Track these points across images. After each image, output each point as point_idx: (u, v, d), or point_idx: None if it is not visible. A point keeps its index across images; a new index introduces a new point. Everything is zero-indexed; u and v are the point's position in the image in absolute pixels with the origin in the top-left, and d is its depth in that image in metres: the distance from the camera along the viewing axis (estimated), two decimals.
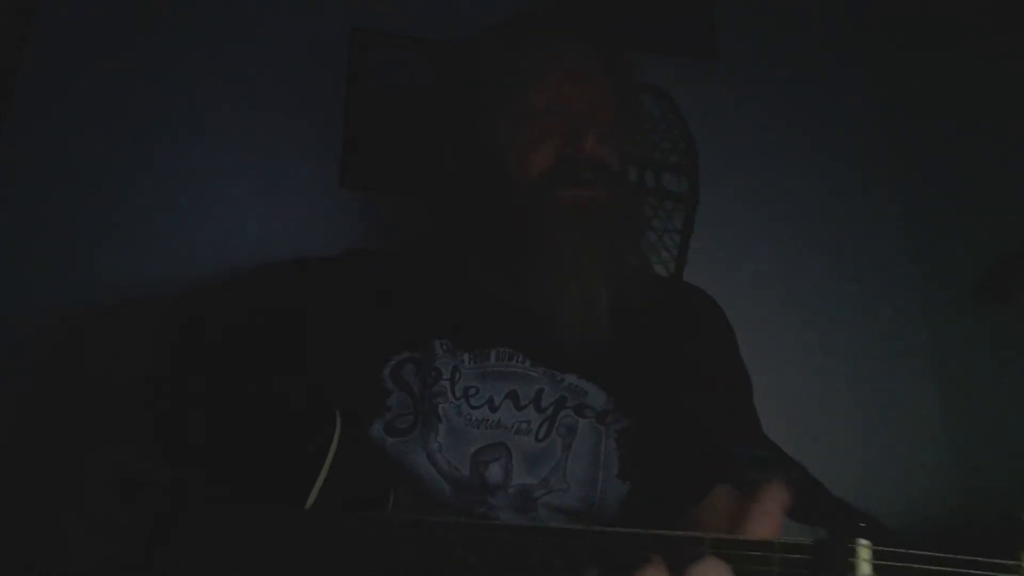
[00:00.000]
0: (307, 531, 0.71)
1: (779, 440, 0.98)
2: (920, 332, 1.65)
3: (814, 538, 0.52)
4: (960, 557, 0.46)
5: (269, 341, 0.97)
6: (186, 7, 1.38)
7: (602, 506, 0.88)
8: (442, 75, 1.39)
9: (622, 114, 1.05)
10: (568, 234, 0.95)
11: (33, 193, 1.25)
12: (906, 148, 1.74)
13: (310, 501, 0.76)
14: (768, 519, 0.57)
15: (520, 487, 0.87)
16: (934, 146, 1.69)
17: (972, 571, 0.46)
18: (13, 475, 0.89)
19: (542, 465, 0.89)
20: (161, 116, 1.33)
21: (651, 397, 0.94)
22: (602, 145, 0.98)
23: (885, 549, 0.49)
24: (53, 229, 1.24)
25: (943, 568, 0.46)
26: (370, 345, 0.96)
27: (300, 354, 0.96)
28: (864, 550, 0.49)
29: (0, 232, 1.22)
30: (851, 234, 1.68)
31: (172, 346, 0.99)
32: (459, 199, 1.07)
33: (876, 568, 0.48)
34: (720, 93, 1.65)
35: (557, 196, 0.96)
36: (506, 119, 1.01)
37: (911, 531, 1.45)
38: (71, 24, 1.32)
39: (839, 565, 0.49)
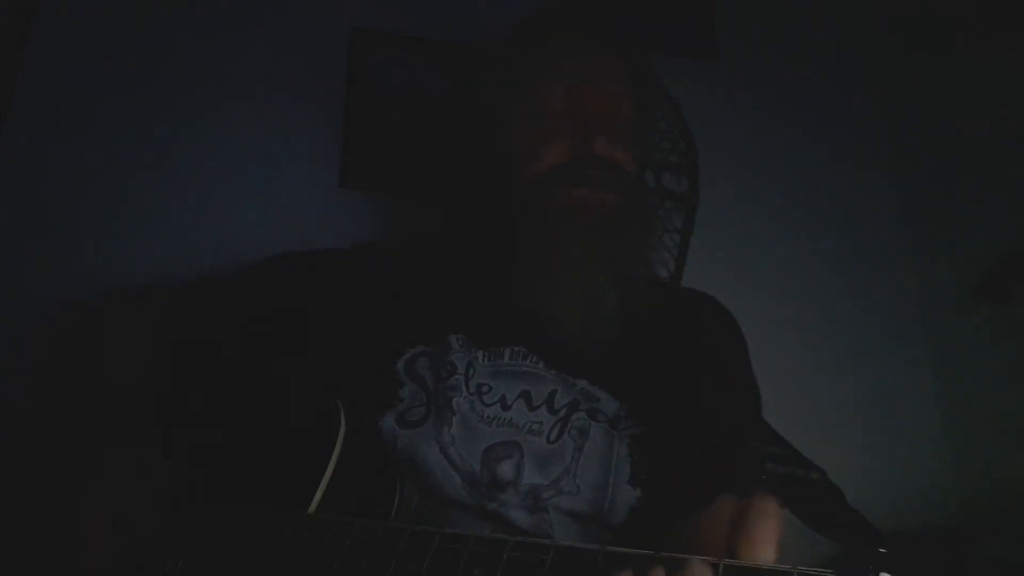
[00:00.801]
0: (310, 534, 0.70)
1: None
2: (920, 332, 1.65)
3: (833, 567, 0.50)
4: None
5: (277, 336, 0.97)
6: (186, 7, 1.38)
7: (611, 511, 0.88)
8: (459, 75, 1.40)
9: (639, 119, 1.05)
10: (570, 233, 0.95)
11: (33, 193, 1.24)
12: (906, 148, 1.74)
13: (316, 501, 0.76)
14: (762, 542, 0.55)
15: (530, 486, 0.87)
16: (934, 146, 1.69)
17: None
18: (16, 473, 0.89)
19: (553, 466, 0.88)
20: (161, 116, 1.33)
21: (663, 406, 0.93)
22: (614, 147, 0.98)
23: None
24: (53, 229, 1.24)
25: None
26: (384, 337, 0.96)
27: (309, 349, 0.96)
28: None
29: (0, 232, 1.22)
30: (851, 234, 1.68)
31: (178, 343, 0.98)
32: (472, 199, 1.07)
33: None
34: (720, 93, 1.65)
35: (563, 194, 0.96)
36: (521, 118, 1.01)
37: (911, 531, 1.45)
38: (71, 24, 1.32)
39: None
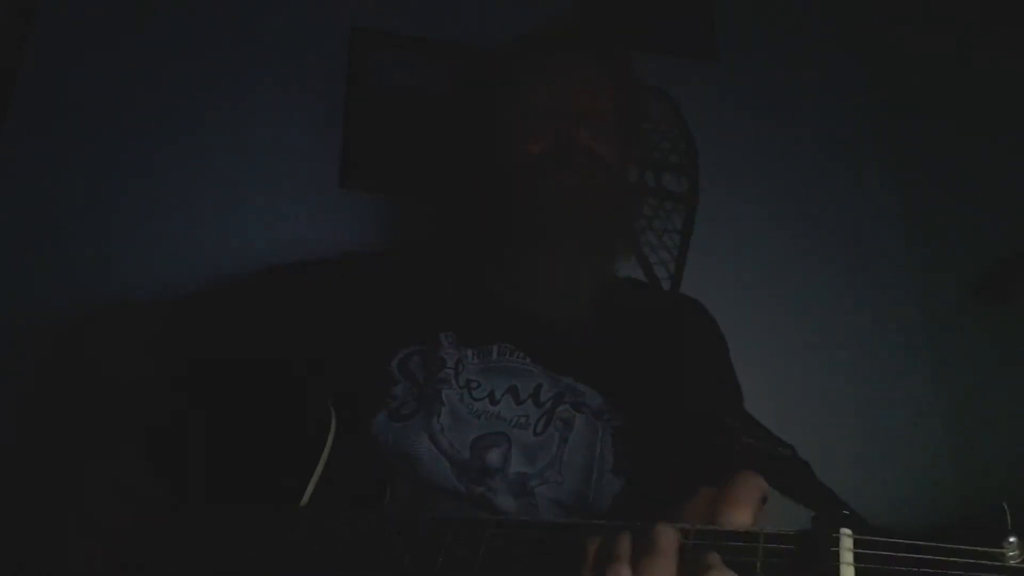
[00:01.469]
0: (303, 529, 0.71)
1: None
2: (920, 332, 1.65)
3: (798, 529, 0.52)
4: (943, 545, 0.47)
5: (270, 340, 0.98)
6: (186, 8, 1.38)
7: (595, 500, 0.90)
8: (459, 77, 1.43)
9: (628, 119, 1.10)
10: (552, 217, 1.00)
11: (33, 193, 1.25)
12: (906, 148, 1.74)
13: (306, 497, 0.77)
14: (742, 506, 0.57)
15: (517, 474, 0.90)
16: (934, 146, 1.69)
17: (955, 559, 0.46)
18: (15, 476, 0.89)
19: (539, 457, 0.91)
20: (161, 116, 1.33)
21: (645, 401, 0.96)
22: (597, 140, 1.03)
23: (867, 538, 0.49)
24: (53, 230, 1.24)
25: (925, 556, 0.47)
26: (378, 339, 0.98)
27: (300, 351, 0.96)
28: (847, 539, 0.49)
29: (0, 232, 1.22)
30: (851, 234, 1.68)
31: (173, 349, 0.99)
32: (466, 198, 1.12)
33: (858, 557, 0.49)
34: (720, 93, 1.65)
35: (547, 181, 1.01)
36: (512, 114, 1.07)
37: (910, 531, 1.45)
38: (71, 24, 1.32)
39: (823, 555, 0.49)
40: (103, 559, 0.76)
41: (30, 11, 1.30)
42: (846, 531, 0.50)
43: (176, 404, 0.89)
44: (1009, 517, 0.46)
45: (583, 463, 0.91)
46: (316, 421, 0.82)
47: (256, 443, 0.84)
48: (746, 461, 0.85)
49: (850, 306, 1.62)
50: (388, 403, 0.93)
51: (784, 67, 1.74)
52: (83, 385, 0.99)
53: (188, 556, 0.75)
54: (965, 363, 1.57)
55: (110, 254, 1.25)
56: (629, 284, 1.17)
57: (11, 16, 1.30)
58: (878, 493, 1.45)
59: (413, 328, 0.99)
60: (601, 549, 0.57)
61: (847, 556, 0.49)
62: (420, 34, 1.47)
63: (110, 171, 1.29)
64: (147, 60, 1.35)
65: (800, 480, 0.76)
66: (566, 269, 1.01)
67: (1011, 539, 0.46)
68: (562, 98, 1.05)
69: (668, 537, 0.55)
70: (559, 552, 0.58)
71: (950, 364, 1.60)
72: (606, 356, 0.99)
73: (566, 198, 1.00)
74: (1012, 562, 0.46)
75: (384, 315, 1.01)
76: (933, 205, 1.68)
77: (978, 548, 0.46)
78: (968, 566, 0.46)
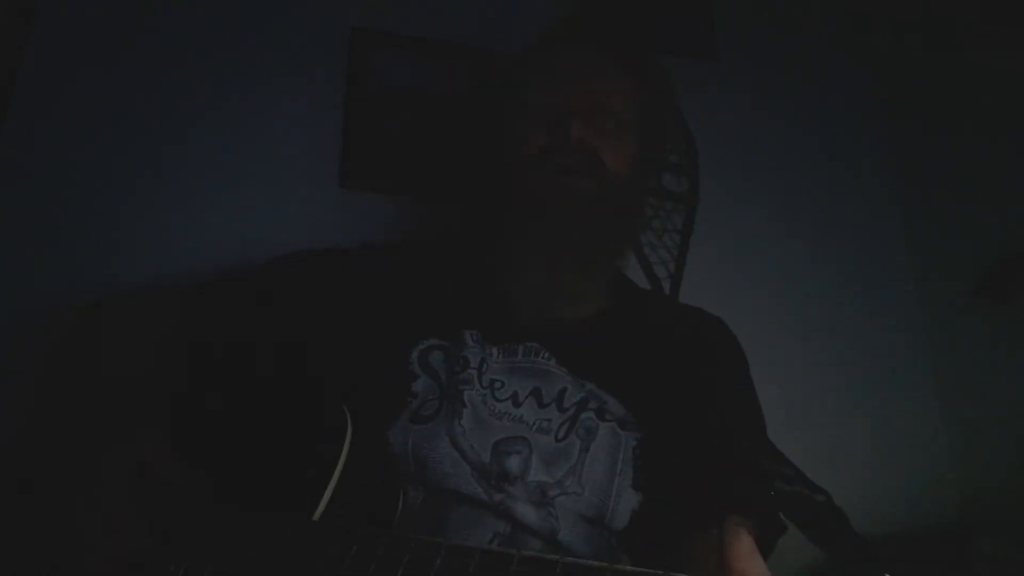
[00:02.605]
0: (314, 540, 0.70)
1: (779, 441, 0.99)
2: (920, 332, 1.65)
3: None
4: None
5: (288, 333, 0.98)
6: (186, 8, 1.38)
7: (614, 514, 0.89)
8: (465, 81, 1.43)
9: (636, 120, 1.08)
10: (546, 215, 0.99)
11: (33, 193, 1.24)
12: (906, 147, 1.74)
13: (320, 508, 0.76)
14: (753, 564, 0.55)
15: (537, 483, 0.89)
16: (934, 145, 1.69)
17: None
18: (25, 471, 0.88)
19: (559, 465, 0.90)
20: (161, 116, 1.33)
21: (669, 418, 0.95)
22: (595, 138, 1.01)
23: None
24: (53, 230, 1.24)
25: None
26: (397, 330, 0.98)
27: (319, 348, 0.96)
28: None
29: (0, 232, 1.22)
30: (851, 234, 1.68)
31: (189, 342, 0.99)
32: (470, 197, 1.13)
33: None
34: (720, 93, 1.65)
35: (542, 177, 1.00)
36: (515, 114, 1.06)
37: (911, 531, 1.45)
38: (71, 24, 1.32)
39: None
40: (115, 555, 0.76)
41: (30, 11, 1.29)
42: None
43: (191, 404, 0.88)
44: None
45: (603, 475, 0.90)
46: (331, 430, 0.81)
47: (270, 452, 0.83)
48: (780, 507, 0.84)
49: (850, 306, 1.62)
50: (409, 403, 0.92)
51: (784, 67, 1.74)
52: (92, 376, 0.98)
53: (199, 555, 0.74)
54: (965, 363, 1.57)
55: (110, 254, 1.25)
56: (656, 296, 1.17)
57: (11, 16, 1.30)
58: (878, 493, 1.46)
59: (433, 322, 0.99)
60: None
61: None
62: (420, 34, 1.47)
63: (110, 171, 1.29)
64: (147, 60, 1.34)
65: (836, 532, 0.74)
66: (561, 268, 0.99)
67: None
68: (562, 96, 1.03)
69: None
70: None
71: (950, 364, 1.60)
72: (630, 367, 0.98)
73: (559, 196, 0.99)
74: None
75: (403, 306, 1.01)
76: (933, 205, 1.68)
77: None
78: None
